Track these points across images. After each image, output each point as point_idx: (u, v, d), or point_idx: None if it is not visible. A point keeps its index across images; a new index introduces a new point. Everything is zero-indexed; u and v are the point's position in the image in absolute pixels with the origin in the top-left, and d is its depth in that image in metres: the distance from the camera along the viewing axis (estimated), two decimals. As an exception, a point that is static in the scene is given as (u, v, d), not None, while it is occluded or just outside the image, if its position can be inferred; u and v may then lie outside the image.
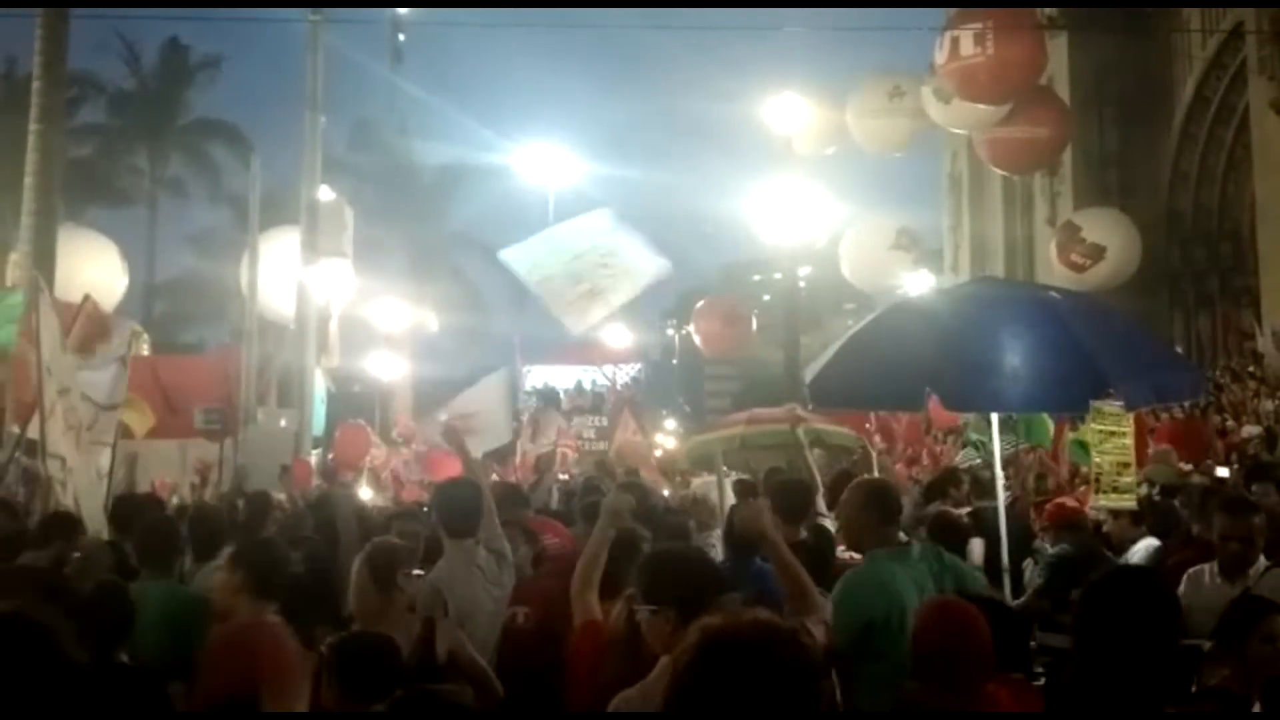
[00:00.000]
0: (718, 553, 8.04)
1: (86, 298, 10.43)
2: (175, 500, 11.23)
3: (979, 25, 20.76)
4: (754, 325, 27.37)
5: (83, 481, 7.99)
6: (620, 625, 4.16)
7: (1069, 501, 8.59)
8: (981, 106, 21.82)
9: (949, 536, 6.78)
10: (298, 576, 5.44)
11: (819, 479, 8.69)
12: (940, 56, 21.35)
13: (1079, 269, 24.72)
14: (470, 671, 4.79)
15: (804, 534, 6.66)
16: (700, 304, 27.62)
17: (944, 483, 10.52)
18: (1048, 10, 31.14)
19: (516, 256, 10.15)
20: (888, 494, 5.26)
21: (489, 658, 5.47)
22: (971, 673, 3.81)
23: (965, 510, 9.13)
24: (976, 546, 7.89)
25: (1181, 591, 5.42)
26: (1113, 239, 24.73)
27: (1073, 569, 6.20)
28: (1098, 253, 24.45)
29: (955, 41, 20.82)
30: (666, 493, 11.47)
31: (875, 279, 25.27)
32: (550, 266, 9.88)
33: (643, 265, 9.82)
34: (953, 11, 21.93)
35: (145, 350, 20.39)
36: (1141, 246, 25.64)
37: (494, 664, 5.49)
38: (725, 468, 11.65)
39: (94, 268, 18.96)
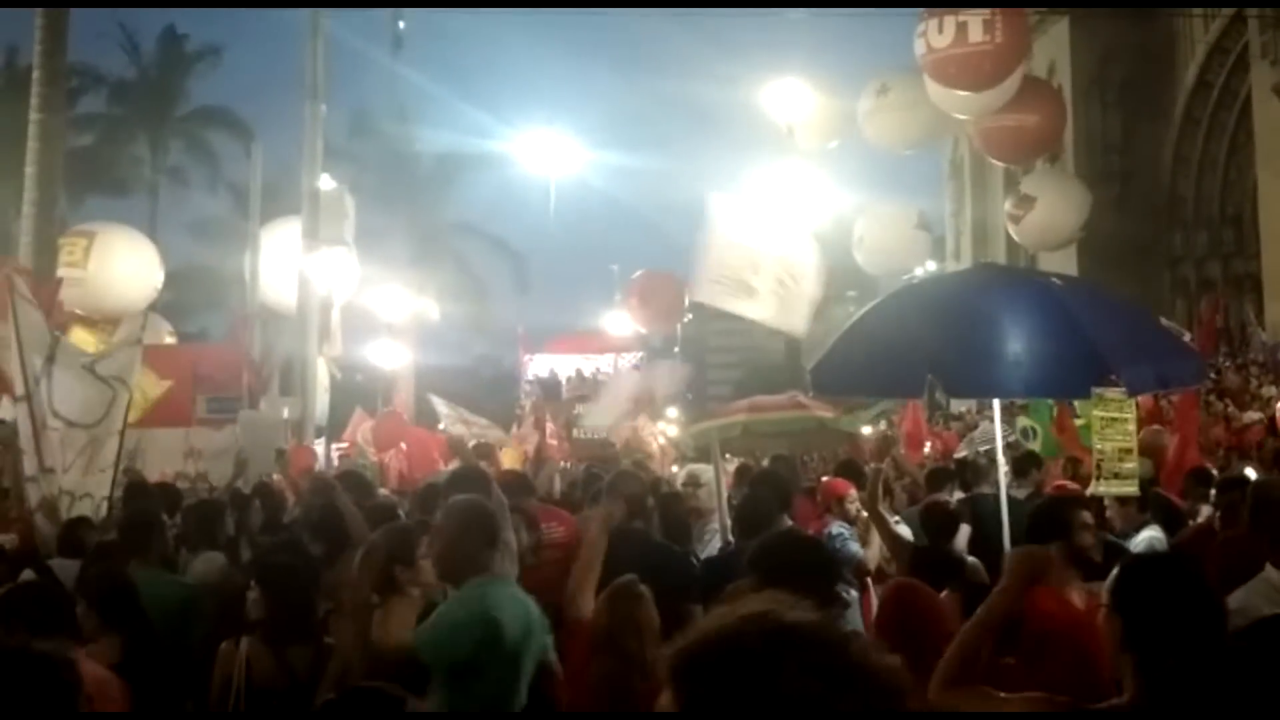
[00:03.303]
0: (715, 540, 8.12)
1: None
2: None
3: (989, 12, 20.58)
4: (684, 300, 27.31)
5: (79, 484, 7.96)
6: (604, 622, 4.17)
7: (1070, 484, 8.62)
8: (985, 92, 21.68)
9: (939, 523, 6.83)
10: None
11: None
12: (941, 40, 20.95)
13: (1015, 220, 24.96)
14: None
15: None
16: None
17: (948, 471, 10.53)
18: None
19: (724, 206, 9.78)
20: (489, 516, 4.70)
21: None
22: (931, 655, 3.84)
23: (961, 497, 9.17)
24: (962, 534, 7.92)
25: (1245, 603, 5.16)
26: (1044, 189, 24.75)
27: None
28: (1028, 203, 24.51)
29: (963, 27, 20.56)
30: (676, 468, 11.53)
31: (899, 262, 25.05)
32: (743, 236, 9.47)
33: (795, 318, 9.50)
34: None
35: (169, 340, 20.53)
36: (1090, 202, 25.59)
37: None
38: (728, 455, 11.70)
39: (129, 264, 18.89)
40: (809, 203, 22.27)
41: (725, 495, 8.89)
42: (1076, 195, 25.50)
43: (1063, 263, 26.81)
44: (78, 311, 17.05)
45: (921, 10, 21.33)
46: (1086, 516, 4.94)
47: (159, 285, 19.47)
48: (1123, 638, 3.16)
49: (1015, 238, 26.36)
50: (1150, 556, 4.82)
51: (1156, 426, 11.36)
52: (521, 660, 4.32)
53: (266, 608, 4.89)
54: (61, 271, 17.37)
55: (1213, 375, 21.08)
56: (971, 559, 6.71)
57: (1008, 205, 25.87)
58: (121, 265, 18.45)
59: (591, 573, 4.79)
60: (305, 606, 4.95)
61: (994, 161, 28.39)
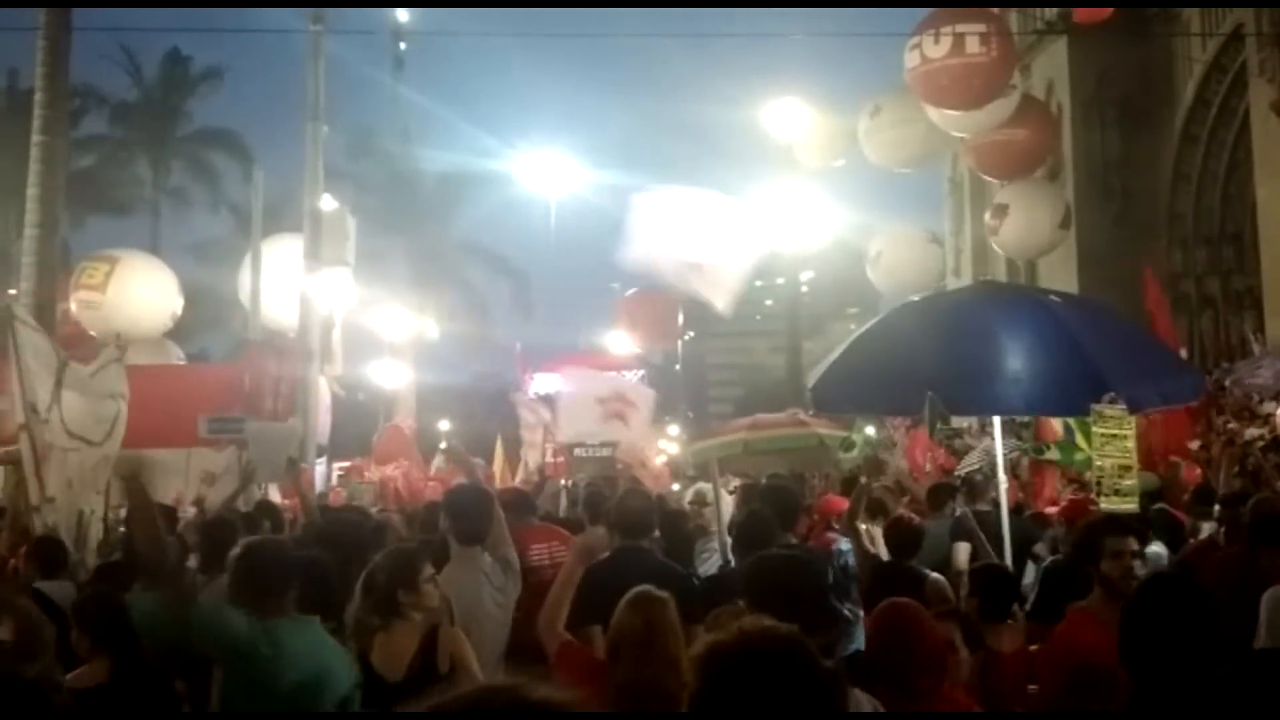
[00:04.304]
0: (715, 558, 8.13)
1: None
2: (182, 512, 11.17)
3: (983, 25, 20.61)
4: (679, 318, 27.31)
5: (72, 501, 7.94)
6: (637, 626, 4.16)
7: (1080, 498, 8.64)
8: (984, 109, 21.69)
9: (901, 540, 6.85)
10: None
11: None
12: (936, 51, 20.84)
13: (994, 232, 25.03)
14: (464, 683, 4.80)
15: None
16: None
17: (950, 488, 10.54)
18: (1046, 13, 31.23)
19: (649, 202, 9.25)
20: (265, 562, 4.63)
21: (495, 664, 5.49)
22: (922, 674, 3.84)
23: (961, 513, 9.17)
24: (962, 551, 7.92)
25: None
26: (1018, 198, 24.84)
27: (1065, 578, 6.22)
28: (1002, 212, 24.62)
29: (960, 39, 20.54)
30: (677, 487, 11.56)
31: (914, 278, 24.96)
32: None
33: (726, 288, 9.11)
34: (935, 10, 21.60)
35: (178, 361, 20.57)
36: (1065, 204, 25.59)
37: (503, 673, 5.51)
38: (728, 474, 11.72)
39: (147, 291, 18.94)
40: (811, 221, 22.27)
41: (726, 514, 8.89)
42: (1049, 198, 25.56)
43: (1063, 279, 26.81)
44: (93, 334, 17.16)
45: (916, 22, 21.38)
46: (1120, 543, 4.69)
47: (177, 312, 19.52)
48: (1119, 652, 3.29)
49: (996, 249, 26.43)
50: (1166, 579, 4.81)
51: (1174, 458, 11.40)
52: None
53: None
54: (80, 294, 17.55)
55: (1213, 388, 21.08)
56: (935, 575, 6.72)
57: (986, 218, 25.99)
58: (139, 292, 18.55)
59: (562, 605, 4.78)
60: None
61: (990, 180, 28.47)
